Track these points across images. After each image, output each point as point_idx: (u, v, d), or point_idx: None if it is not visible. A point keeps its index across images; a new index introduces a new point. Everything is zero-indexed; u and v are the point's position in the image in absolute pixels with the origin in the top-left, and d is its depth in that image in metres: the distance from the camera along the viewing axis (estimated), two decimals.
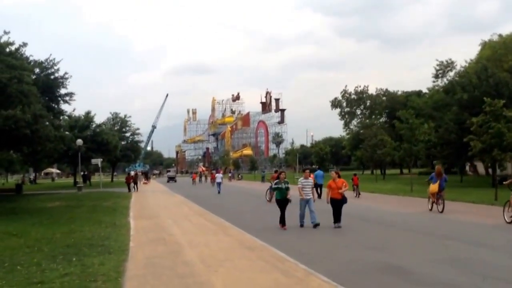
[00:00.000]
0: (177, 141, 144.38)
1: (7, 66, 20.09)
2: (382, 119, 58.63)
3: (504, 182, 13.44)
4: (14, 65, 20.50)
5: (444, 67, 43.35)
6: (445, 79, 43.00)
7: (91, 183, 46.44)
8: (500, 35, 39.56)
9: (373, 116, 58.90)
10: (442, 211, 14.13)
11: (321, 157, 50.98)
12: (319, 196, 19.20)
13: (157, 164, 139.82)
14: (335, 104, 60.69)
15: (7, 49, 21.87)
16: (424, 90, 53.54)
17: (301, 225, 11.49)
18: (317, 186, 19.05)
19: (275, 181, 11.61)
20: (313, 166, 40.72)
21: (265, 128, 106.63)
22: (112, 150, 45.13)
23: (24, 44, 23.86)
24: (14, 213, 17.08)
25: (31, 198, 25.96)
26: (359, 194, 22.09)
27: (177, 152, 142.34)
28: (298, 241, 9.64)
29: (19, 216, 15.79)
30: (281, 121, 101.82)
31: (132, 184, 32.44)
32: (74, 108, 39.85)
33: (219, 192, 27.89)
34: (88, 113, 45.37)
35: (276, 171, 27.82)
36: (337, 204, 11.30)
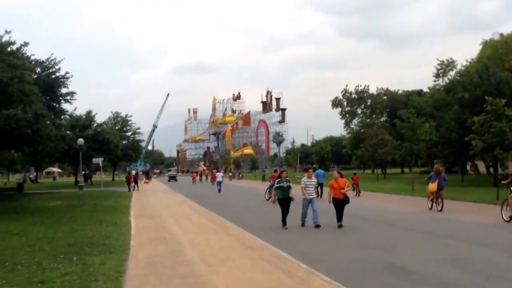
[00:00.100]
0: (178, 140, 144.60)
1: (8, 65, 20.10)
2: (383, 119, 58.54)
3: (502, 182, 13.48)
4: (15, 64, 20.50)
5: (445, 66, 43.29)
6: (446, 78, 42.96)
7: (92, 182, 46.49)
8: (501, 34, 39.48)
9: (374, 116, 58.82)
10: (441, 210, 14.24)
11: (322, 156, 50.99)
12: (320, 195, 19.19)
13: (158, 164, 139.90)
14: (336, 103, 60.61)
15: (8, 49, 21.88)
16: (425, 90, 53.52)
17: (302, 224, 11.47)
18: (318, 185, 19.04)
19: (277, 180, 11.58)
20: (314, 166, 40.67)
21: (266, 128, 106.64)
22: (113, 150, 45.18)
23: (25, 44, 23.89)
24: (16, 212, 17.10)
25: (32, 197, 25.99)
26: (359, 192, 22.13)
27: (178, 152, 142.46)
28: (300, 241, 9.62)
29: (20, 215, 15.80)
30: (282, 121, 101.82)
31: (132, 184, 32.46)
32: (76, 107, 39.99)
33: (219, 191, 27.90)
34: (89, 112, 45.43)
35: (275, 170, 27.81)
36: (340, 204, 11.25)
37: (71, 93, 32.47)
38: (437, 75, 44.15)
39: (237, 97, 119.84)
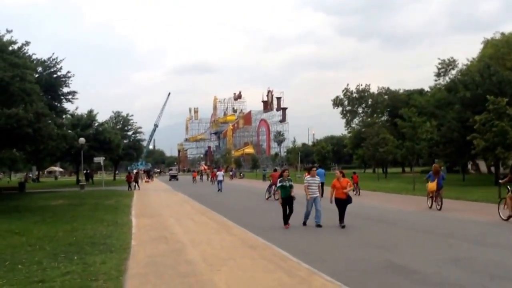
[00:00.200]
0: (179, 139, 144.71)
1: (10, 64, 20.13)
2: (384, 118, 58.48)
3: (500, 181, 13.51)
4: (16, 63, 20.54)
5: (446, 66, 43.27)
6: (447, 78, 42.93)
7: (93, 182, 46.54)
8: (502, 34, 39.42)
9: (375, 115, 58.75)
10: (440, 209, 14.37)
11: (323, 155, 50.97)
12: (321, 194, 19.14)
13: (159, 163, 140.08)
14: (336, 102, 60.56)
15: (10, 48, 21.91)
16: (426, 89, 53.45)
17: (304, 223, 11.42)
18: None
19: (279, 179, 11.54)
20: (315, 165, 40.66)
21: (267, 127, 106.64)
22: (115, 149, 45.22)
23: (27, 43, 23.94)
24: (17, 211, 17.10)
25: (34, 196, 26.00)
26: (359, 191, 22.16)
27: (179, 151, 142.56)
28: (301, 240, 9.60)
29: (22, 214, 15.80)
30: (283, 120, 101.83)
31: (133, 183, 32.50)
32: (77, 106, 39.94)
33: (219, 190, 27.89)
34: (90, 111, 45.47)
35: (275, 170, 27.85)
36: (342, 204, 11.16)
37: (73, 93, 32.57)
38: (438, 74, 44.13)
39: (238, 97, 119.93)
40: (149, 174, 56.10)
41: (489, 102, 23.12)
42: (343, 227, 10.96)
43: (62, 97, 32.23)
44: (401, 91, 59.07)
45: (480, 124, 23.43)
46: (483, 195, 18.55)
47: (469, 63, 41.10)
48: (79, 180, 40.55)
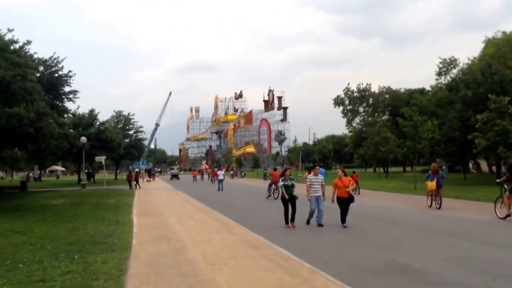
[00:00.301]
0: (180, 139, 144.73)
1: (11, 63, 20.12)
2: (385, 117, 58.40)
3: (497, 180, 13.60)
4: (18, 62, 20.53)
5: (447, 65, 43.14)
6: (448, 77, 42.81)
7: (95, 181, 46.58)
8: (504, 33, 39.30)
9: (376, 114, 58.65)
10: (439, 208, 14.50)
11: (324, 154, 50.92)
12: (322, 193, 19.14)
13: (160, 162, 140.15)
14: (337, 102, 60.45)
15: (12, 47, 21.90)
16: (427, 88, 53.35)
17: (308, 222, 11.34)
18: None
19: (281, 178, 11.51)
20: (316, 164, 40.63)
21: (268, 126, 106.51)
22: (116, 148, 45.24)
23: (28, 42, 23.92)
24: (19, 210, 17.12)
25: (35, 195, 26.02)
26: (359, 190, 22.19)
27: (180, 150, 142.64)
28: (302, 240, 9.58)
29: (23, 213, 15.82)
30: (284, 119, 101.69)
31: (133, 182, 32.59)
32: (78, 106, 39.94)
33: (219, 189, 27.93)
34: (92, 111, 45.47)
35: (275, 169, 27.95)
36: (345, 203, 11.10)
37: (74, 92, 32.55)
38: (439, 74, 44.00)
39: (239, 96, 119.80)
40: (150, 173, 56.18)
41: (490, 101, 23.06)
42: (345, 227, 10.93)
43: (63, 96, 32.23)
44: (402, 90, 58.95)
45: (481, 123, 23.38)
46: (484, 195, 18.51)
47: (470, 62, 41.01)
48: (80, 179, 40.59)
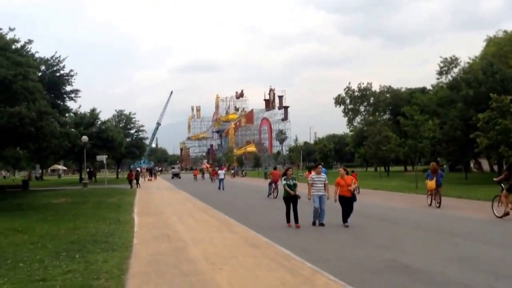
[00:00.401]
0: (181, 138, 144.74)
1: (13, 63, 20.13)
2: (386, 116, 58.34)
3: (494, 179, 13.66)
4: (19, 62, 20.53)
5: (448, 64, 43.05)
6: (449, 76, 42.73)
7: (96, 180, 46.64)
8: (505, 32, 39.22)
9: (377, 113, 58.61)
10: (439, 206, 14.63)
11: (325, 154, 50.92)
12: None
13: (161, 161, 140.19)
14: (338, 101, 60.42)
15: (13, 46, 21.90)
16: (428, 87, 53.25)
17: (313, 223, 11.16)
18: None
19: (283, 178, 11.45)
20: (316, 163, 40.63)
21: (269, 125, 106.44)
22: (117, 147, 45.28)
23: (30, 41, 23.92)
24: (20, 209, 17.14)
25: (37, 194, 26.06)
26: (359, 189, 22.14)
27: (181, 149, 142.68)
28: (304, 239, 9.56)
29: (25, 212, 15.83)
30: (285, 118, 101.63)
31: (134, 181, 32.72)
32: (80, 105, 40.00)
33: (219, 188, 27.99)
34: (93, 110, 45.52)
35: (275, 168, 28.04)
36: (347, 202, 11.04)
37: (76, 91, 32.59)
38: (440, 73, 43.92)
39: (240, 95, 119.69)
40: (151, 173, 56.26)
41: (492, 100, 23.01)
42: (346, 226, 10.91)
43: (65, 96, 32.26)
44: (403, 89, 58.89)
45: (483, 122, 23.33)
46: (485, 194, 18.47)
47: (471, 61, 40.92)
48: (82, 178, 40.65)
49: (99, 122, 45.59)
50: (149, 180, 48.31)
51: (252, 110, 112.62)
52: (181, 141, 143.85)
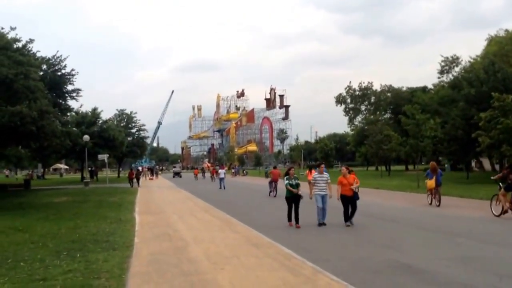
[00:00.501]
0: (182, 137, 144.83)
1: (14, 62, 20.12)
2: (387, 115, 58.27)
3: (492, 178, 13.71)
4: (21, 61, 20.52)
5: (449, 63, 42.96)
6: (450, 75, 42.64)
7: (98, 179, 46.71)
8: (506, 31, 39.10)
9: (378, 112, 58.54)
10: (439, 205, 14.72)
11: (326, 153, 50.89)
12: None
13: (163, 160, 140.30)
14: (339, 100, 60.38)
15: (14, 45, 21.90)
16: (429, 87, 53.15)
17: (319, 224, 11.00)
18: None
19: (285, 177, 11.39)
20: (317, 162, 40.60)
21: (270, 124, 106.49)
22: (119, 146, 45.30)
23: (31, 41, 23.90)
24: (21, 208, 17.16)
25: (38, 193, 26.10)
26: (358, 189, 22.12)
27: (182, 148, 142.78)
28: (305, 238, 9.54)
29: (26, 211, 15.84)
30: (286, 118, 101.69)
31: (134, 180, 32.81)
32: (81, 104, 40.10)
33: (220, 188, 28.02)
34: (95, 109, 45.56)
35: (275, 167, 28.05)
36: (349, 201, 10.98)
37: (77, 90, 32.64)
38: (441, 72, 43.84)
39: (241, 94, 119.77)
40: (153, 172, 56.31)
41: (494, 99, 22.95)
42: (347, 225, 10.87)
43: (66, 95, 32.30)
44: (404, 88, 58.81)
45: (485, 121, 23.27)
46: (487, 193, 18.41)
47: (472, 60, 40.83)
48: (83, 177, 40.69)
49: (100, 121, 45.62)
50: (150, 179, 48.38)
51: (253, 109, 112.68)
52: (182, 140, 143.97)
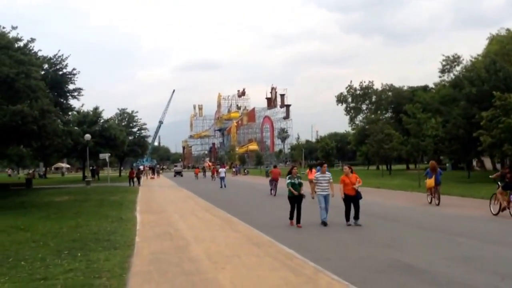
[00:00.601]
0: (183, 136, 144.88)
1: (15, 61, 20.15)
2: (388, 114, 58.19)
3: (490, 176, 13.73)
4: (22, 60, 20.55)
5: (450, 62, 42.85)
6: (451, 74, 42.54)
7: (99, 178, 46.82)
8: (508, 30, 38.99)
9: (379, 111, 58.46)
10: (438, 204, 14.78)
11: (326, 152, 50.84)
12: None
13: (164, 159, 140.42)
14: (340, 99, 60.31)
15: (16, 45, 21.92)
16: (430, 86, 53.05)
17: (324, 223, 10.89)
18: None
19: (288, 177, 11.37)
20: (318, 161, 40.57)
21: (271, 124, 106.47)
22: (120, 145, 45.37)
23: (32, 40, 23.94)
24: (23, 207, 17.20)
25: (40, 192, 26.14)
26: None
27: (183, 148, 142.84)
28: (306, 238, 9.53)
29: (27, 210, 15.88)
30: (286, 117, 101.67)
31: (135, 179, 32.88)
32: (83, 103, 40.23)
33: (221, 187, 28.06)
34: (96, 108, 45.62)
35: (275, 166, 28.06)
36: (351, 200, 10.93)
37: (78, 89, 32.70)
38: (442, 71, 43.72)
39: (242, 94, 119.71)
40: (154, 171, 56.38)
41: (495, 98, 22.91)
42: (349, 225, 10.86)
43: (68, 94, 32.36)
44: (405, 87, 58.71)
45: (486, 120, 23.23)
46: (488, 193, 18.38)
47: (473, 59, 40.73)
48: (85, 176, 40.76)
49: (101, 121, 45.68)
50: (151, 178, 48.44)
51: (254, 109, 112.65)
52: (183, 140, 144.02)
